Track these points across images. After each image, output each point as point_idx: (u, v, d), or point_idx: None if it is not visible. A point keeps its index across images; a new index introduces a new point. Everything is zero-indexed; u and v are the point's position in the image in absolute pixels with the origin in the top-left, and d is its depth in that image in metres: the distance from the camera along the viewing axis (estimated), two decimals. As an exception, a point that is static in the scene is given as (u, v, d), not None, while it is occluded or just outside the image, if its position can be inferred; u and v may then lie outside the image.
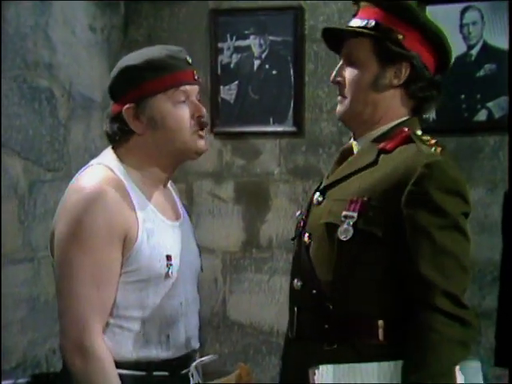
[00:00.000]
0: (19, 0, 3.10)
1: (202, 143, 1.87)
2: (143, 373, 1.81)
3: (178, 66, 1.84)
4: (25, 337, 3.17)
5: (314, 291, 1.76)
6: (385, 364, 1.68)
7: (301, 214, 1.91)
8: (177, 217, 1.94)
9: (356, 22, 1.82)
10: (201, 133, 1.87)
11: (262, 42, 3.58)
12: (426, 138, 1.77)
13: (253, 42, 3.59)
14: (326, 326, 1.73)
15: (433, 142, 1.75)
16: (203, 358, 1.92)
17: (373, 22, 1.79)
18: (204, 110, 1.87)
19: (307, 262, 1.79)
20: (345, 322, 1.73)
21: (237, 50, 3.62)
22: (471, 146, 3.38)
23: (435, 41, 1.79)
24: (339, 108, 1.85)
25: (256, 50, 3.60)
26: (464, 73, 3.36)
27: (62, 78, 3.37)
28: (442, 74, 1.87)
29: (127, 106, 1.83)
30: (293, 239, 1.91)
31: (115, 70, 1.90)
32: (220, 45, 3.63)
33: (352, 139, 1.89)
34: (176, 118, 1.83)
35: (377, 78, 1.79)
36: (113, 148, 1.89)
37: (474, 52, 3.37)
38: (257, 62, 3.61)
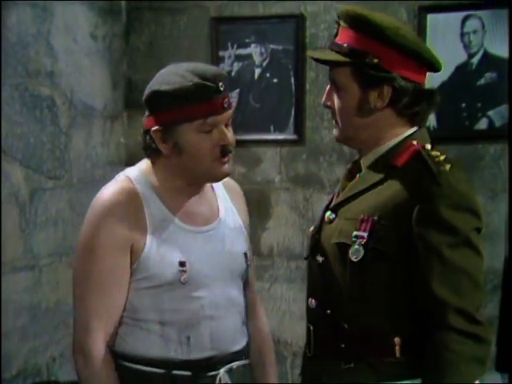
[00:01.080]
0: (20, 0, 3.10)
1: (223, 169, 1.92)
2: (162, 371, 1.89)
3: (206, 97, 1.85)
4: (25, 345, 3.16)
5: (329, 311, 1.76)
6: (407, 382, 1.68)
7: (313, 231, 1.89)
8: (208, 222, 1.97)
9: (335, 46, 1.80)
10: (224, 160, 1.90)
11: (263, 50, 3.59)
12: (435, 153, 1.74)
13: (254, 50, 3.60)
14: (343, 346, 1.73)
15: (442, 158, 1.73)
16: (233, 363, 1.95)
17: (348, 47, 1.75)
18: (229, 139, 1.89)
19: (321, 282, 1.79)
20: (361, 340, 1.72)
21: (238, 58, 3.62)
22: (472, 154, 3.38)
23: (414, 55, 1.75)
24: (334, 132, 1.85)
25: (257, 59, 3.61)
26: (465, 81, 3.37)
27: (64, 85, 3.37)
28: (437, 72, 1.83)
29: (155, 127, 1.89)
30: (306, 258, 1.90)
31: (149, 87, 1.92)
32: (221, 53, 3.63)
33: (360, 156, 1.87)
34: (199, 147, 1.87)
35: (360, 104, 1.76)
36: (148, 157, 1.97)
37: (475, 60, 3.37)
38: (258, 71, 3.61)
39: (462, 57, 3.38)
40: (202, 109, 1.85)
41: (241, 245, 2.02)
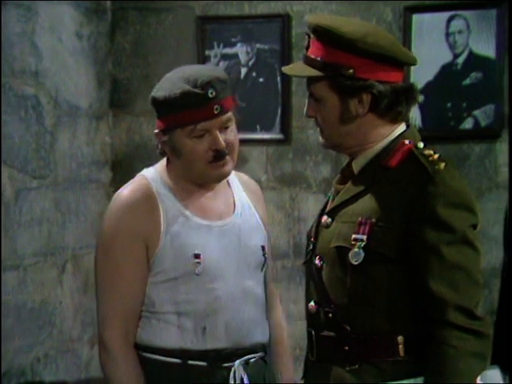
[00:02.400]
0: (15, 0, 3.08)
1: (220, 171, 1.98)
2: (178, 360, 1.96)
3: (194, 104, 1.92)
4: (10, 345, 3.14)
5: (330, 314, 1.77)
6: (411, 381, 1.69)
7: (309, 235, 1.90)
8: (223, 217, 2.03)
9: (308, 60, 1.80)
10: (218, 163, 1.96)
11: (249, 49, 3.59)
12: (428, 152, 1.76)
13: (240, 49, 3.59)
14: (346, 348, 1.74)
15: (436, 156, 1.74)
16: (249, 356, 1.99)
17: (321, 61, 1.77)
18: (221, 143, 1.94)
19: (320, 286, 1.79)
20: (364, 341, 1.73)
21: (224, 57, 3.62)
22: (457, 154, 3.39)
23: (388, 60, 1.76)
24: (320, 139, 1.85)
25: (243, 58, 3.60)
26: (450, 81, 3.38)
27: (49, 85, 3.35)
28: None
29: (156, 131, 2.01)
30: (304, 263, 1.91)
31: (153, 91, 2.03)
32: (207, 52, 3.63)
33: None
34: (192, 151, 1.95)
35: (342, 113, 1.77)
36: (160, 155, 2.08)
37: (460, 60, 3.38)
38: (244, 70, 3.61)
39: (447, 57, 3.39)
40: (191, 115, 1.93)
41: (258, 238, 2.06)
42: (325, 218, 1.83)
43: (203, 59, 3.62)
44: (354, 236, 1.73)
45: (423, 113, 3.38)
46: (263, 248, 2.06)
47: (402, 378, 1.70)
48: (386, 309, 1.72)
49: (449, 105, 3.39)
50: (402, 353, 1.71)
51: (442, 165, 1.72)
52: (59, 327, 3.40)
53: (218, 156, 1.95)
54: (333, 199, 1.86)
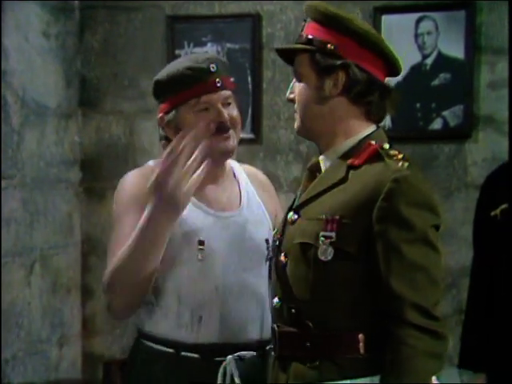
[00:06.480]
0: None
1: (223, 145, 2.01)
2: (172, 350, 1.99)
3: (198, 78, 1.99)
4: (-23, 347, 3.11)
5: (293, 310, 1.77)
6: (366, 380, 1.70)
7: (276, 232, 1.91)
8: (228, 209, 2.05)
9: (298, 39, 1.86)
10: (222, 136, 2.00)
11: (219, 49, 3.58)
12: (393, 152, 1.78)
13: (210, 49, 3.58)
14: (308, 344, 1.74)
15: (400, 156, 1.76)
16: (242, 352, 1.99)
17: (306, 37, 1.82)
18: (225, 116, 2.00)
19: (285, 282, 1.80)
20: (325, 338, 1.73)
21: (194, 57, 3.61)
22: (426, 154, 3.41)
23: (372, 46, 1.79)
24: (295, 124, 1.88)
25: (213, 58, 3.60)
26: (419, 82, 3.40)
27: (16, 84, 3.31)
28: (395, 77, 1.88)
29: (160, 115, 2.06)
30: (269, 259, 1.93)
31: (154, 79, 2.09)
32: (177, 52, 3.61)
33: (319, 155, 1.89)
34: (195, 125, 1.93)
35: (318, 91, 1.80)
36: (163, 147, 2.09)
37: (429, 61, 3.40)
38: (214, 70, 3.60)
39: (416, 57, 3.41)
40: (195, 89, 1.99)
41: (263, 232, 2.07)
42: (290, 214, 1.84)
43: (173, 59, 3.57)
44: (322, 233, 1.73)
45: (393, 113, 3.40)
46: (267, 241, 2.06)
47: (361, 375, 1.70)
48: (347, 306, 1.73)
49: (418, 105, 3.41)
50: (362, 350, 1.72)
51: (406, 164, 1.74)
52: (27, 328, 3.36)
53: (221, 128, 1.99)
54: (300, 196, 1.87)
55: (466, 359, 2.71)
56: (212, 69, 2.00)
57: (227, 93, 2.03)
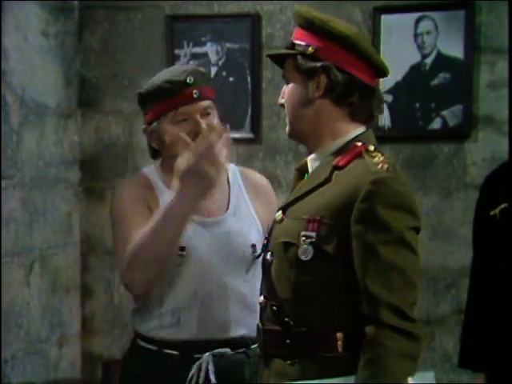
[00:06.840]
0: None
1: None
2: (155, 347, 2.11)
3: (175, 90, 2.09)
4: (-24, 347, 3.11)
5: (275, 308, 1.80)
6: (340, 380, 1.70)
7: (266, 230, 1.96)
8: (214, 214, 2.13)
9: (286, 44, 1.90)
10: None
11: (219, 49, 3.58)
12: (375, 154, 1.80)
13: (210, 48, 3.59)
14: (288, 342, 1.77)
15: (381, 158, 1.78)
16: (220, 350, 2.09)
17: (291, 42, 1.87)
18: (202, 126, 2.09)
19: (269, 280, 1.84)
20: (305, 336, 1.76)
21: (194, 56, 3.60)
22: (425, 153, 3.42)
23: (353, 48, 1.82)
24: (286, 128, 1.92)
25: (213, 57, 3.59)
26: (419, 81, 3.40)
27: (15, 84, 3.31)
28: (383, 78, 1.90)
29: (144, 126, 2.18)
30: (257, 257, 2.01)
31: None
32: (177, 51, 3.61)
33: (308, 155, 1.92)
34: (174, 135, 2.08)
35: (303, 94, 1.84)
36: (151, 156, 2.24)
37: (429, 61, 3.40)
38: (214, 69, 3.60)
39: (415, 57, 3.41)
40: (172, 101, 2.09)
41: (250, 237, 2.13)
42: (278, 213, 1.87)
43: (172, 58, 3.60)
44: (303, 232, 1.75)
45: (392, 113, 3.41)
46: (254, 246, 2.11)
47: (340, 374, 1.72)
48: (327, 305, 1.75)
49: (417, 105, 3.41)
50: (340, 349, 1.74)
51: (386, 166, 1.75)
52: (27, 328, 3.36)
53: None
54: (289, 196, 1.90)
55: (465, 359, 2.72)
56: (189, 81, 2.09)
57: (206, 103, 2.12)
